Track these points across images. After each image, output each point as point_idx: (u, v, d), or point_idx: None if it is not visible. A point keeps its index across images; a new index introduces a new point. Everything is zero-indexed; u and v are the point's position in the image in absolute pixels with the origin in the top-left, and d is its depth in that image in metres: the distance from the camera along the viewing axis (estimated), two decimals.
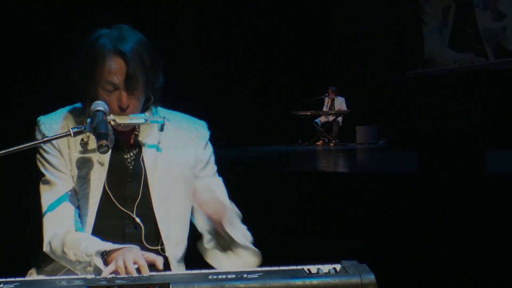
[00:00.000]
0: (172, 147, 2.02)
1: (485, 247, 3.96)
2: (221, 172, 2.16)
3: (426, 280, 3.75)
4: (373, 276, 1.48)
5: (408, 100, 9.38)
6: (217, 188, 2.08)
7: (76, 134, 1.77)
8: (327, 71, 13.74)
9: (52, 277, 1.62)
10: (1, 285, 1.46)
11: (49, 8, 9.05)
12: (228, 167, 2.16)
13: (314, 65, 13.79)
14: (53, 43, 8.53)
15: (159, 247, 1.99)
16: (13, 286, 1.45)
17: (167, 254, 1.98)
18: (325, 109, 13.58)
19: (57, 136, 1.79)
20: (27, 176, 2.04)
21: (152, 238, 1.98)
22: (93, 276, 1.64)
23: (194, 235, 2.12)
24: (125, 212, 1.96)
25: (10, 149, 1.72)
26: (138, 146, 1.99)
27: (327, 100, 13.60)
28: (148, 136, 1.99)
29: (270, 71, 13.18)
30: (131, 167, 1.98)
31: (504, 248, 3.89)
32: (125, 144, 1.99)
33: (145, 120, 1.87)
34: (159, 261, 1.71)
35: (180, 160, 2.02)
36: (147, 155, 1.98)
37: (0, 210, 4.41)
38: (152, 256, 1.72)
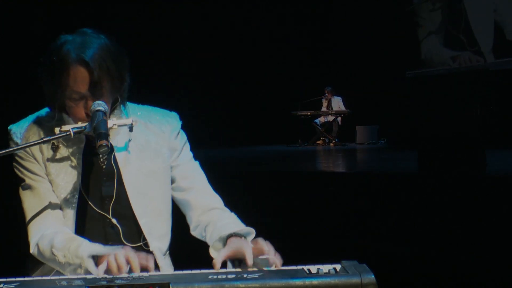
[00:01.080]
0: (144, 142, 2.03)
1: (485, 247, 3.96)
2: (220, 172, 2.16)
3: (426, 280, 3.75)
4: (373, 276, 1.48)
5: (408, 100, 9.38)
6: (194, 174, 2.10)
7: (76, 134, 1.78)
8: (327, 71, 13.75)
9: (52, 277, 1.62)
10: (1, 285, 1.46)
11: (48, 8, 9.05)
12: (228, 167, 2.17)
13: (314, 65, 13.79)
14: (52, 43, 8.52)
15: (141, 243, 2.00)
16: (13, 286, 1.45)
17: (151, 248, 1.99)
18: (323, 109, 13.60)
19: (57, 136, 1.80)
20: (16, 174, 2.04)
21: (132, 236, 1.99)
22: (93, 276, 1.64)
23: (178, 227, 2.12)
24: (104, 211, 1.97)
25: (10, 149, 1.72)
26: (110, 146, 1.99)
27: (324, 101, 13.62)
28: (118, 136, 2.00)
29: (270, 71, 13.18)
30: (104, 167, 1.98)
31: (504, 248, 3.89)
32: (96, 146, 1.99)
33: (113, 125, 1.86)
34: (149, 258, 1.71)
35: (153, 155, 2.03)
36: (119, 154, 1.99)
37: (0, 210, 4.41)
38: (142, 254, 1.72)
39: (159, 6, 11.47)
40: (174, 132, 2.09)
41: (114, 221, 1.97)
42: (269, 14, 13.29)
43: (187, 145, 2.13)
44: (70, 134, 1.78)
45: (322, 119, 13.50)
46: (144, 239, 1.99)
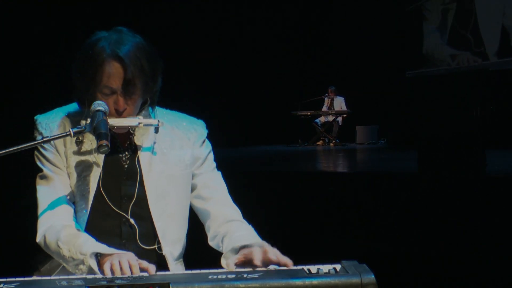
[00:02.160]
0: (168, 146, 2.03)
1: (485, 247, 3.96)
2: (220, 171, 2.16)
3: (426, 280, 3.76)
4: (373, 276, 1.48)
5: (408, 100, 9.38)
6: (215, 184, 2.10)
7: (76, 134, 1.78)
8: (327, 71, 13.74)
9: (52, 277, 1.62)
10: (1, 285, 1.46)
11: (48, 8, 9.04)
12: (228, 167, 2.17)
13: (314, 65, 13.79)
14: (52, 43, 8.53)
15: (155, 246, 1.99)
16: (13, 286, 1.45)
17: (164, 252, 1.99)
18: (325, 109, 13.59)
19: (57, 136, 1.80)
20: (27, 176, 2.05)
21: (148, 238, 1.99)
22: (93, 276, 1.64)
23: (193, 233, 2.12)
24: (120, 210, 1.97)
25: (10, 149, 1.72)
26: (134, 147, 2.00)
27: (327, 100, 13.61)
28: (143, 137, 2.00)
29: (270, 71, 13.17)
30: (126, 166, 1.99)
31: (504, 248, 3.90)
32: (120, 145, 2.00)
33: (139, 123, 1.88)
34: (151, 268, 1.71)
35: (176, 160, 2.03)
36: (143, 155, 1.99)
37: (0, 210, 4.41)
38: (144, 264, 1.72)
39: (158, 5, 11.46)
40: (200, 140, 2.09)
41: (132, 221, 1.96)
42: (269, 14, 13.28)
43: (211, 155, 2.13)
44: (70, 134, 1.78)
45: (322, 119, 13.50)
46: (159, 242, 1.99)
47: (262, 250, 1.75)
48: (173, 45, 11.48)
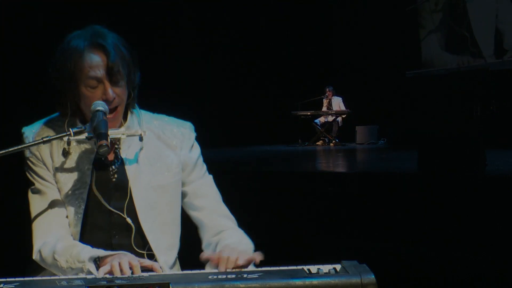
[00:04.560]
0: (155, 155, 2.00)
1: (485, 247, 3.96)
2: (220, 172, 2.15)
3: (426, 280, 3.76)
4: (373, 276, 1.48)
5: (408, 100, 9.37)
6: (207, 192, 2.08)
7: (76, 134, 1.78)
8: (327, 71, 13.74)
9: (52, 277, 1.62)
10: (1, 285, 1.46)
11: (48, 6, 9.05)
12: (228, 168, 2.16)
13: (314, 65, 13.79)
14: (52, 44, 8.52)
15: (144, 253, 1.97)
16: (13, 286, 1.45)
17: (160, 263, 1.97)
18: (324, 109, 13.60)
19: (57, 136, 1.80)
20: (27, 176, 2.05)
21: (139, 249, 1.97)
22: (93, 276, 1.64)
23: (189, 236, 2.11)
24: (110, 223, 1.95)
25: (10, 149, 1.72)
26: (120, 158, 1.98)
27: (325, 101, 13.61)
28: (129, 147, 1.98)
29: (270, 71, 13.17)
30: (114, 179, 1.97)
31: (504, 248, 3.90)
32: (106, 157, 1.98)
33: (121, 134, 1.87)
34: (156, 265, 1.71)
35: (164, 169, 2.00)
36: (129, 166, 1.97)
37: (0, 211, 4.41)
38: (147, 262, 1.71)
39: (158, 5, 11.46)
40: (188, 144, 2.06)
41: (122, 233, 1.95)
42: (269, 14, 13.28)
43: (201, 159, 2.09)
44: (70, 134, 1.78)
45: (322, 119, 13.50)
46: (149, 249, 1.97)
47: (227, 258, 1.76)
48: (173, 45, 11.50)
